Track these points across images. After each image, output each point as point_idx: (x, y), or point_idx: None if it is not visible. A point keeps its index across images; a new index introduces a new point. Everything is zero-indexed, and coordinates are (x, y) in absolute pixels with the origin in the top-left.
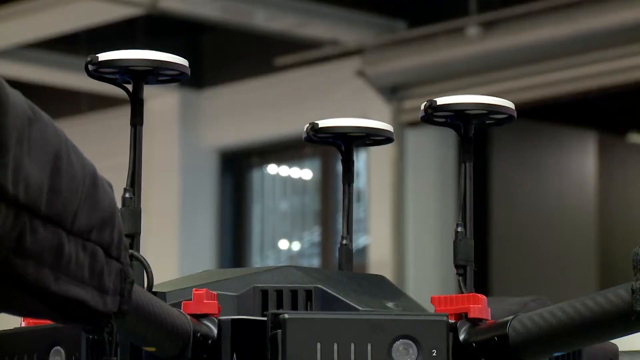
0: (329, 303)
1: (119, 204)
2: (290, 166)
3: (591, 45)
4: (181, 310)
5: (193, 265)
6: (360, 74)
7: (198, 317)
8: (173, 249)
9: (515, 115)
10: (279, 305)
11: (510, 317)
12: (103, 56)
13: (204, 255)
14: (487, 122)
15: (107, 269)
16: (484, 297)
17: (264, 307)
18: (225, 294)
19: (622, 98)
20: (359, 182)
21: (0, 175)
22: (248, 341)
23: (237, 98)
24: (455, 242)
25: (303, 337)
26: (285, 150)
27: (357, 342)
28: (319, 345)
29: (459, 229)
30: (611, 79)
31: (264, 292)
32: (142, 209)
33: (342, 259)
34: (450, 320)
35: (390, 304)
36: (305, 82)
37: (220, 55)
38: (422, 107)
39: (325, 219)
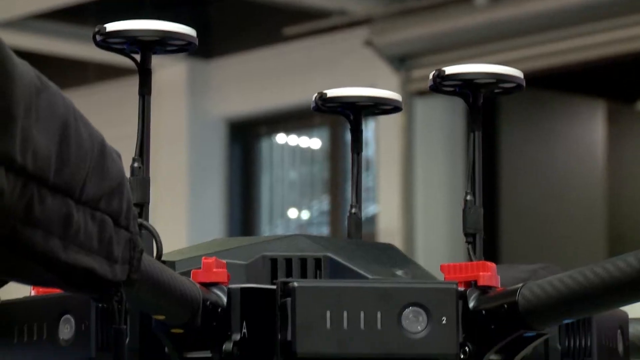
0: (338, 271)
1: (127, 174)
2: (299, 135)
3: (600, 14)
4: (190, 279)
5: (202, 235)
6: (369, 43)
7: (207, 285)
8: (182, 218)
9: (524, 84)
10: (288, 273)
11: (520, 284)
12: (111, 26)
13: (213, 225)
14: (496, 91)
15: (116, 238)
16: (493, 264)
17: (273, 276)
18: (234, 263)
19: (631, 66)
20: (368, 151)
21: (8, 144)
22: (257, 309)
23: (245, 68)
24: (464, 211)
25: (312, 305)
26: (293, 119)
27: (366, 309)
28: (328, 313)
29: (468, 198)
30: (620, 47)
31: (273, 261)
32: (150, 179)
33: (351, 228)
34: (459, 288)
35: (399, 272)
36: (313, 51)
37: (228, 25)
38: (431, 76)
39: (334, 188)
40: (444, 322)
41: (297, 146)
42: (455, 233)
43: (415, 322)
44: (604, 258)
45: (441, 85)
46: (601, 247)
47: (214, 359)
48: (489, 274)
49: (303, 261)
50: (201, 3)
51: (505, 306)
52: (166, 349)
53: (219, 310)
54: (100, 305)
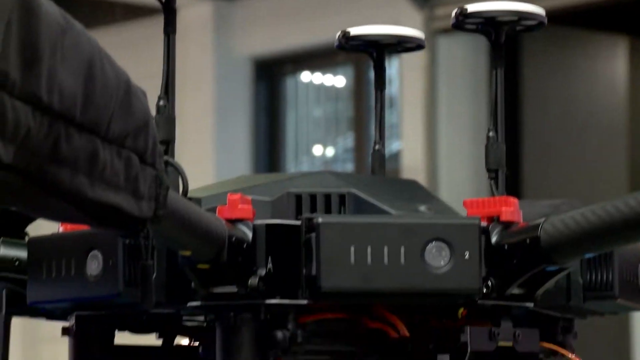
0: (362, 207)
1: (153, 112)
2: (323, 73)
3: None
4: (216, 215)
5: (228, 172)
6: None
7: (233, 221)
8: (208, 156)
9: (546, 21)
10: (313, 209)
11: (542, 219)
12: None
13: (239, 162)
14: (518, 28)
15: (142, 175)
16: (516, 200)
17: (298, 212)
18: (259, 199)
19: None
20: (392, 89)
21: (34, 84)
22: (282, 245)
23: (270, 6)
24: (487, 147)
25: (337, 240)
26: (318, 57)
27: (390, 245)
28: (352, 248)
29: (491, 134)
30: None
31: (298, 197)
32: (176, 117)
33: (375, 164)
34: (482, 223)
35: (422, 208)
36: None
37: None
38: (453, 14)
39: (358, 125)
40: (466, 256)
41: (322, 84)
42: (478, 169)
43: (438, 257)
44: (626, 191)
45: (464, 23)
46: (623, 182)
47: (239, 293)
48: (512, 209)
49: (327, 197)
50: None
51: (528, 241)
52: (192, 284)
53: (245, 245)
54: (127, 241)
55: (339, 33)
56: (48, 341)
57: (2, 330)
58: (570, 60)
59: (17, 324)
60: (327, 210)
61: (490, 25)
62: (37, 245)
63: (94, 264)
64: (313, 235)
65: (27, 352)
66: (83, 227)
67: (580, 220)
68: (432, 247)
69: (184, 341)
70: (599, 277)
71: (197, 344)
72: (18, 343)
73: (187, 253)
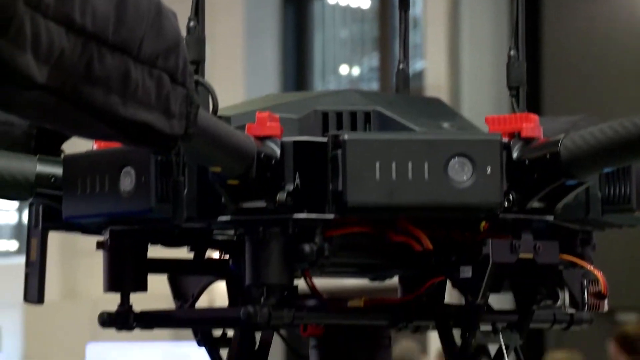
0: (387, 124)
1: (183, 34)
2: None
3: None
4: (245, 133)
5: (258, 92)
6: None
7: (261, 139)
8: (239, 76)
9: None
10: (339, 127)
11: (562, 135)
12: None
13: (268, 82)
14: None
15: (173, 94)
16: (536, 116)
17: (325, 129)
18: (287, 117)
19: None
20: (415, 9)
21: (68, 5)
22: (309, 161)
23: None
24: (508, 65)
25: (362, 157)
26: None
27: (414, 160)
28: (377, 164)
29: (512, 52)
30: None
31: (325, 115)
32: (207, 38)
33: (399, 83)
34: (504, 139)
35: (445, 125)
36: None
37: None
38: None
39: (383, 45)
40: (488, 171)
41: (348, 6)
42: (499, 87)
43: (461, 172)
44: None
45: None
46: None
47: (268, 208)
48: (532, 125)
49: (353, 115)
50: None
51: (548, 156)
52: (222, 200)
53: (273, 162)
54: (159, 158)
55: None
56: (84, 254)
57: (39, 245)
58: None
59: (54, 237)
60: (353, 128)
61: None
62: (72, 163)
63: (127, 180)
64: (339, 151)
65: (65, 265)
66: (116, 145)
67: (598, 135)
68: (454, 162)
69: (215, 254)
70: (617, 191)
71: (227, 257)
72: (55, 256)
73: (217, 169)
